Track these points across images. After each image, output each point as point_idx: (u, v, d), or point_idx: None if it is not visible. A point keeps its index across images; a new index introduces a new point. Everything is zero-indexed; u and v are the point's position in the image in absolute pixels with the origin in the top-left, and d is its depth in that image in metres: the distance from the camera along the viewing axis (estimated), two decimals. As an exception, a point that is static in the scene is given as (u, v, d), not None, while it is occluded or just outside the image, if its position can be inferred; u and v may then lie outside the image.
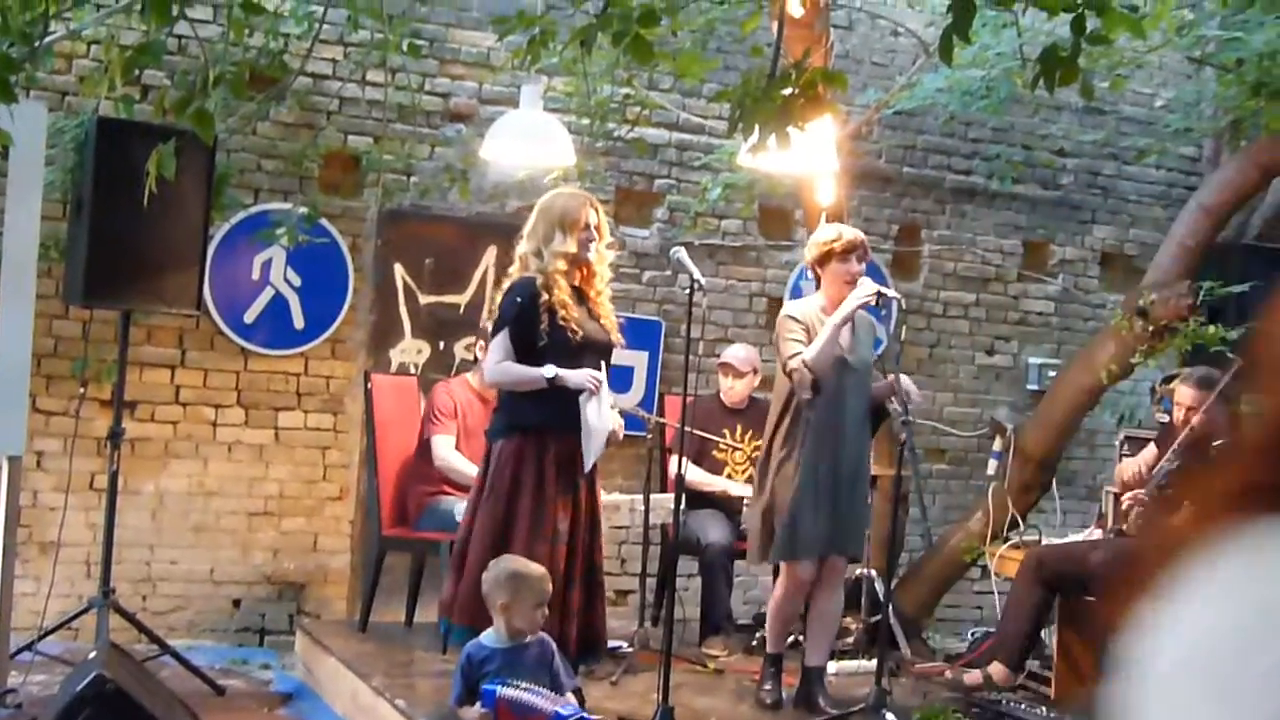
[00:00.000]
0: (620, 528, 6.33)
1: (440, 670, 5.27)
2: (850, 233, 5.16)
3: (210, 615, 6.70)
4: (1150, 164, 8.51)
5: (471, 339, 6.94)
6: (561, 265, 4.88)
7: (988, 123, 8.00)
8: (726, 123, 3.92)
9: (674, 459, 5.38)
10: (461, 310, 7.18)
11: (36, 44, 3.82)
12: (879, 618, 5.50)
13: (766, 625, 5.37)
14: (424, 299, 7.12)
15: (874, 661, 5.28)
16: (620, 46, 3.86)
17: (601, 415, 4.92)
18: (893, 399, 5.09)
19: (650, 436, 5.89)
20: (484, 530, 4.83)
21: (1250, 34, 6.24)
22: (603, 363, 5.00)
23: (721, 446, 6.45)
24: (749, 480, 6.39)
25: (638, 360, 7.28)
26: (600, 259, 5.02)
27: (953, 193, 8.18)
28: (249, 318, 6.70)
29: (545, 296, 4.83)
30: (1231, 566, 0.93)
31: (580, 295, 4.97)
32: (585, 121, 6.64)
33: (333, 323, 6.87)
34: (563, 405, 4.86)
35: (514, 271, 5.02)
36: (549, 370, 4.80)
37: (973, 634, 6.96)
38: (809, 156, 4.95)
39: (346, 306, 6.88)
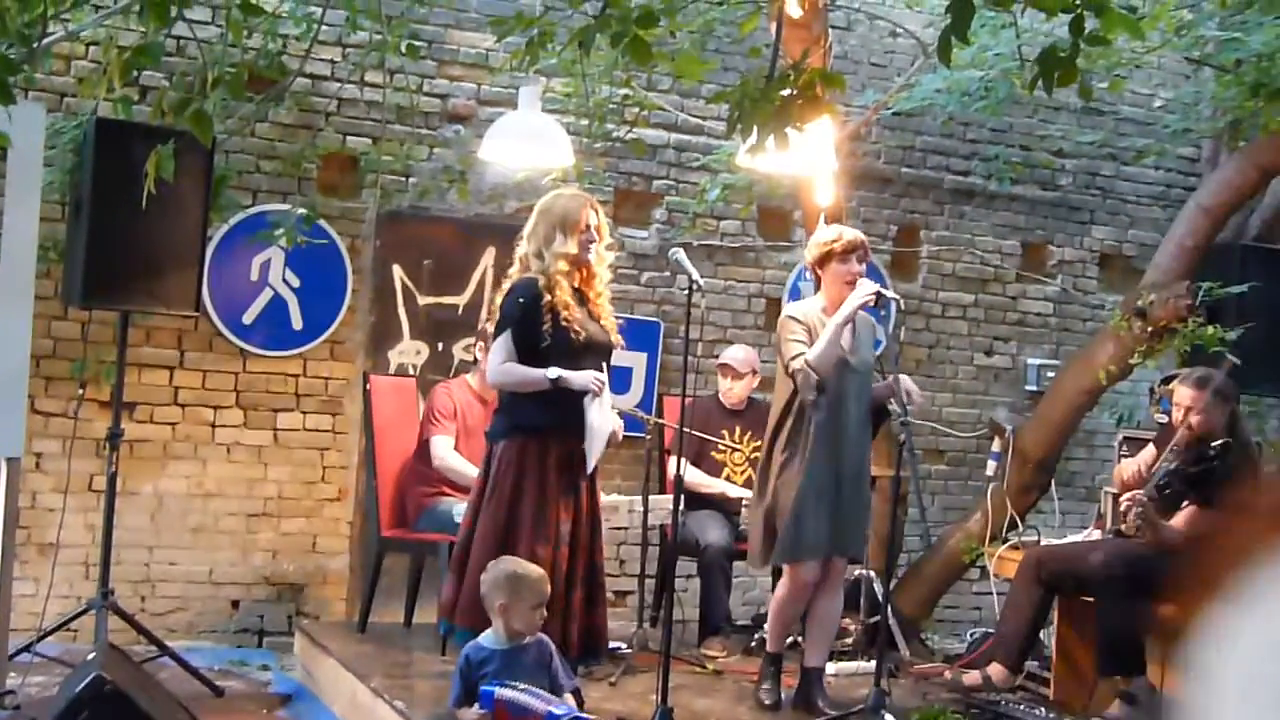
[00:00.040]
0: (619, 529, 6.32)
1: (439, 671, 5.28)
2: (850, 233, 5.16)
3: (209, 616, 6.69)
4: (1149, 164, 8.51)
5: (470, 340, 6.94)
6: (563, 266, 4.88)
7: (986, 123, 8.01)
8: (725, 123, 3.91)
9: (673, 460, 5.38)
10: (460, 311, 7.18)
11: (35, 45, 3.82)
12: (878, 618, 5.50)
13: (767, 625, 5.36)
14: (423, 300, 7.12)
15: (873, 662, 5.28)
16: (619, 47, 3.85)
17: (603, 416, 4.92)
18: (892, 400, 5.09)
19: (649, 437, 5.90)
20: (486, 532, 4.83)
21: (1249, 35, 6.24)
22: (604, 364, 5.00)
23: (720, 447, 6.45)
24: (748, 482, 6.39)
25: (636, 361, 7.28)
26: (600, 260, 5.02)
27: (951, 193, 8.19)
28: (248, 319, 6.70)
29: (548, 297, 4.83)
30: None
31: (580, 296, 4.97)
32: (584, 122, 6.64)
33: (331, 324, 6.87)
34: (565, 407, 4.85)
35: (514, 273, 5.02)
36: (552, 372, 4.80)
37: (971, 635, 6.96)
38: (807, 157, 4.96)
39: (345, 308, 6.88)
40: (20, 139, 4.38)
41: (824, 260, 5.12)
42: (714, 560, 6.18)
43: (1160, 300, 6.41)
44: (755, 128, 3.73)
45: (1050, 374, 7.98)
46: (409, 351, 7.11)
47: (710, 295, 7.38)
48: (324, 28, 5.84)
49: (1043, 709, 5.44)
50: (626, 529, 5.99)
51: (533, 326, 4.82)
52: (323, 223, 6.55)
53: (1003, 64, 6.42)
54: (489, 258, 7.18)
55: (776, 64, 4.33)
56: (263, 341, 6.74)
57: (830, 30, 6.43)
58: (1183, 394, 5.32)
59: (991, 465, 6.91)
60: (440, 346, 7.16)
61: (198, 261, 5.70)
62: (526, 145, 6.15)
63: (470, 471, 5.80)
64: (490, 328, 5.31)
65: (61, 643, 5.72)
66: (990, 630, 6.37)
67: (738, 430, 6.53)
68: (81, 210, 5.53)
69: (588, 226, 4.94)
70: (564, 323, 4.82)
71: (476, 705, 4.29)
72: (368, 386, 6.24)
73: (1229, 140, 7.63)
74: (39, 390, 6.26)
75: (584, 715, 4.36)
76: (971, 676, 5.62)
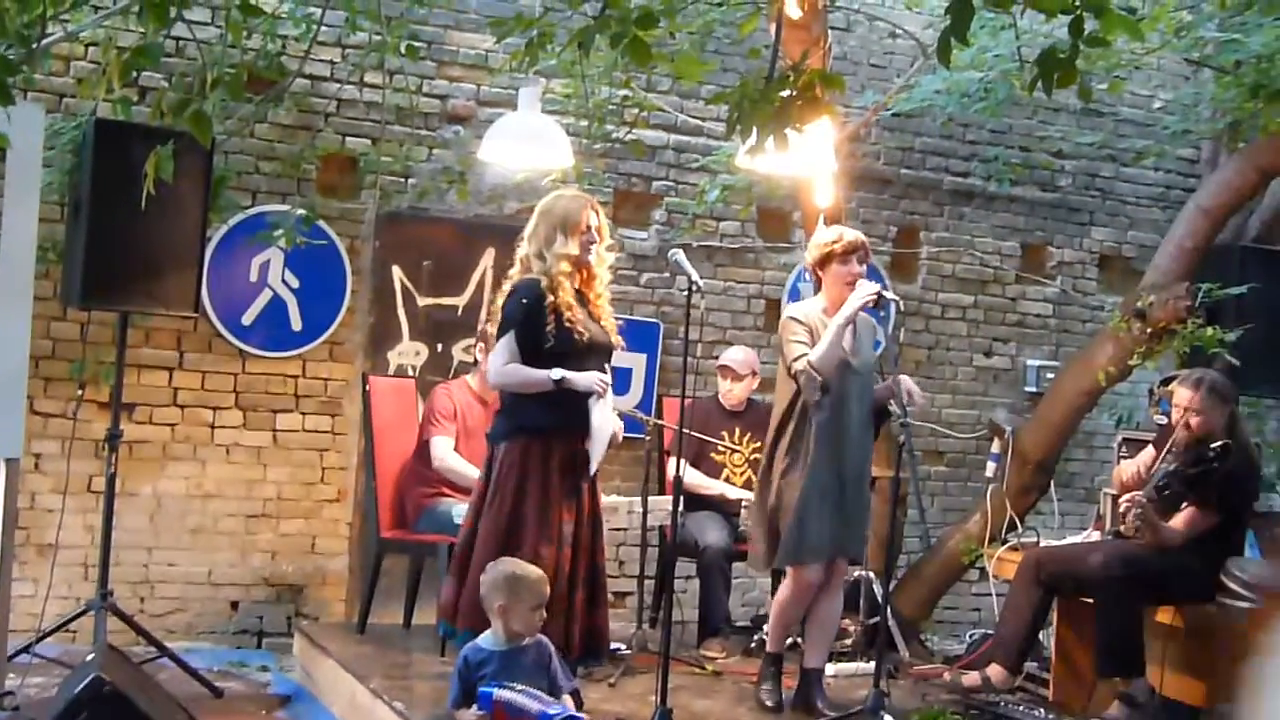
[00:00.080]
0: (618, 529, 6.33)
1: (438, 672, 5.27)
2: (851, 234, 5.16)
3: (208, 617, 6.69)
4: (1148, 166, 8.52)
5: (470, 341, 6.94)
6: (565, 267, 4.88)
7: (986, 125, 8.01)
8: (725, 124, 3.91)
9: (672, 461, 5.38)
10: (459, 312, 7.18)
11: (34, 46, 3.82)
12: (877, 619, 5.50)
13: (768, 626, 5.36)
14: (422, 301, 7.12)
15: (872, 663, 5.27)
16: (618, 48, 3.85)
17: (605, 417, 4.92)
18: (893, 401, 5.09)
19: (648, 439, 5.89)
20: (488, 534, 4.82)
21: (1248, 36, 6.24)
22: (606, 365, 5.00)
23: (720, 449, 6.45)
24: (747, 483, 6.40)
25: (636, 362, 7.28)
26: (600, 261, 5.02)
27: (951, 195, 8.19)
28: (247, 320, 6.70)
29: (551, 298, 4.82)
30: None
31: (581, 298, 4.97)
32: (583, 123, 6.64)
33: (331, 325, 6.86)
34: (568, 408, 4.85)
35: (514, 274, 5.02)
36: (556, 373, 4.80)
37: (971, 636, 6.96)
38: (807, 158, 4.95)
39: (344, 308, 6.88)
40: (19, 140, 4.38)
41: (824, 261, 5.12)
42: (713, 561, 6.18)
43: (1159, 301, 6.40)
44: (755, 129, 3.73)
45: (1049, 375, 7.98)
46: (408, 352, 7.11)
47: (710, 296, 7.38)
48: (323, 28, 5.84)
49: (1042, 710, 5.45)
50: (626, 530, 6.00)
51: (536, 327, 4.82)
52: (322, 223, 6.55)
53: (1002, 65, 6.42)
54: (488, 259, 7.18)
55: (776, 65, 4.34)
56: (262, 342, 6.74)
57: (830, 31, 6.43)
58: (1182, 395, 5.32)
59: (991, 466, 6.90)
60: (440, 347, 7.16)
61: (197, 262, 5.70)
62: (526, 146, 6.15)
63: (470, 472, 5.80)
64: (491, 329, 5.31)
65: (60, 644, 5.71)
66: (989, 631, 6.37)
67: (737, 431, 6.53)
68: (80, 211, 5.52)
69: (589, 228, 4.93)
70: (567, 324, 4.82)
71: (475, 706, 4.28)
72: (367, 387, 6.23)
73: (1228, 142, 7.64)
74: (38, 391, 6.26)
75: (579, 716, 4.35)
76: (971, 678, 5.62)
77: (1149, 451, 5.61)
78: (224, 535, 6.72)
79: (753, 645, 6.11)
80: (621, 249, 6.68)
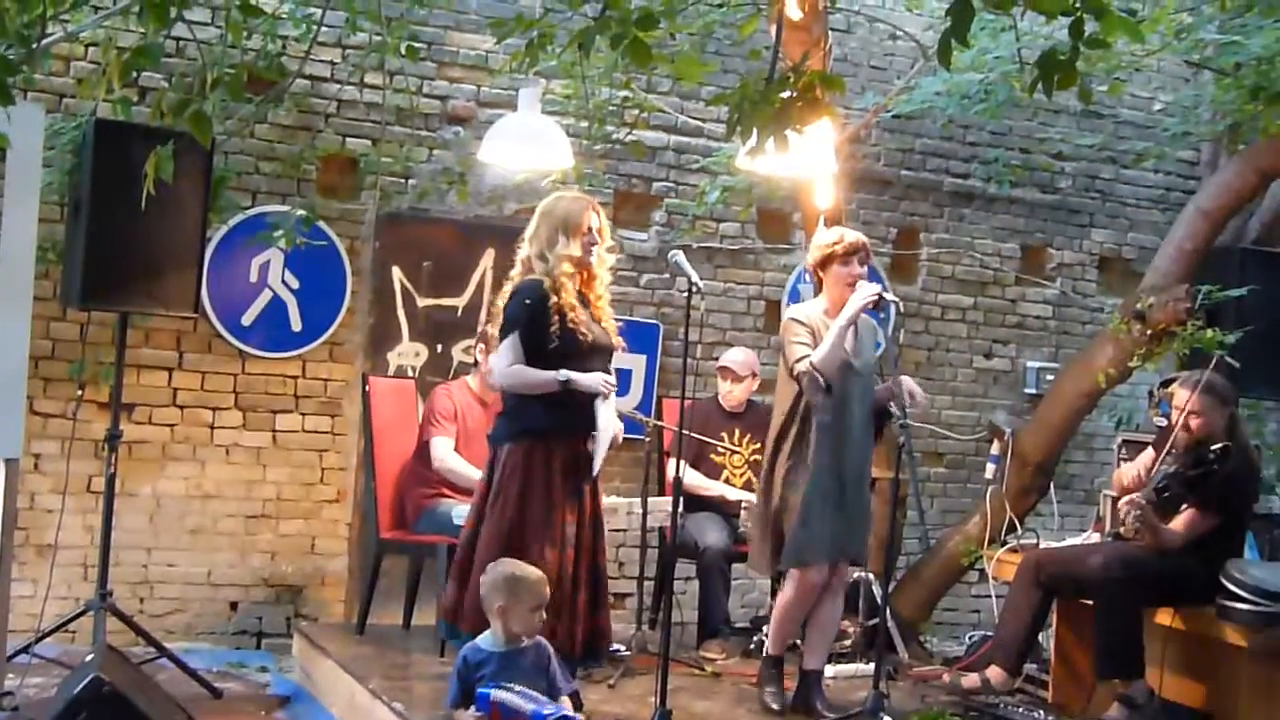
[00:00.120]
0: (618, 531, 6.32)
1: (438, 673, 5.27)
2: (852, 235, 5.16)
3: (207, 618, 6.69)
4: (1148, 168, 8.52)
5: (469, 342, 6.94)
6: (567, 269, 4.87)
7: (986, 126, 8.01)
8: (725, 126, 3.91)
9: (672, 462, 5.37)
10: (459, 313, 7.18)
11: (34, 46, 3.81)
12: (877, 621, 5.50)
13: (770, 628, 5.34)
14: (422, 302, 7.12)
15: (871, 665, 5.28)
16: (618, 49, 3.85)
17: (609, 418, 4.93)
18: (892, 403, 5.09)
19: (648, 440, 5.89)
20: (492, 536, 4.80)
21: (1248, 38, 6.25)
22: (609, 366, 5.00)
23: (719, 450, 6.45)
24: (747, 484, 6.40)
25: (636, 363, 7.28)
26: (601, 262, 5.01)
27: (951, 196, 8.19)
28: (247, 320, 6.70)
29: (554, 299, 4.82)
30: None
31: (581, 299, 4.96)
32: (583, 124, 6.65)
33: (330, 325, 6.86)
34: (571, 409, 4.85)
35: (515, 275, 5.01)
36: (562, 374, 4.79)
37: (970, 637, 6.96)
38: (807, 160, 4.95)
39: (344, 309, 6.88)
40: (19, 140, 4.38)
41: (825, 262, 5.12)
42: (713, 562, 6.18)
43: (1159, 303, 6.40)
44: (755, 130, 3.72)
45: (1049, 377, 7.98)
46: (408, 353, 7.11)
47: (709, 297, 7.39)
48: (323, 29, 5.83)
49: (1041, 711, 5.45)
50: (625, 531, 6.00)
51: (540, 328, 4.81)
52: (322, 224, 6.55)
53: (1002, 67, 6.42)
54: (488, 259, 7.18)
55: (776, 66, 4.33)
56: (262, 343, 6.74)
57: (830, 33, 6.43)
58: (1182, 397, 5.32)
59: (990, 468, 6.89)
60: (439, 348, 7.16)
61: (197, 263, 5.69)
62: (526, 147, 6.15)
63: (470, 473, 5.80)
64: (491, 330, 5.30)
65: (60, 644, 5.71)
66: (989, 633, 6.36)
67: (737, 433, 6.53)
68: (80, 211, 5.52)
69: (590, 229, 4.93)
70: (571, 325, 4.82)
71: (473, 707, 4.28)
72: (367, 388, 6.23)
73: (1228, 143, 7.64)
74: (38, 391, 6.25)
75: (574, 716, 4.34)
76: (970, 679, 5.62)
77: (1149, 453, 5.61)
78: (223, 536, 6.72)
79: (752, 646, 6.11)
80: (621, 250, 6.67)
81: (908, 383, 5.04)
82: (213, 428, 6.70)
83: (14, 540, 5.13)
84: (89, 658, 4.77)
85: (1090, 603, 5.41)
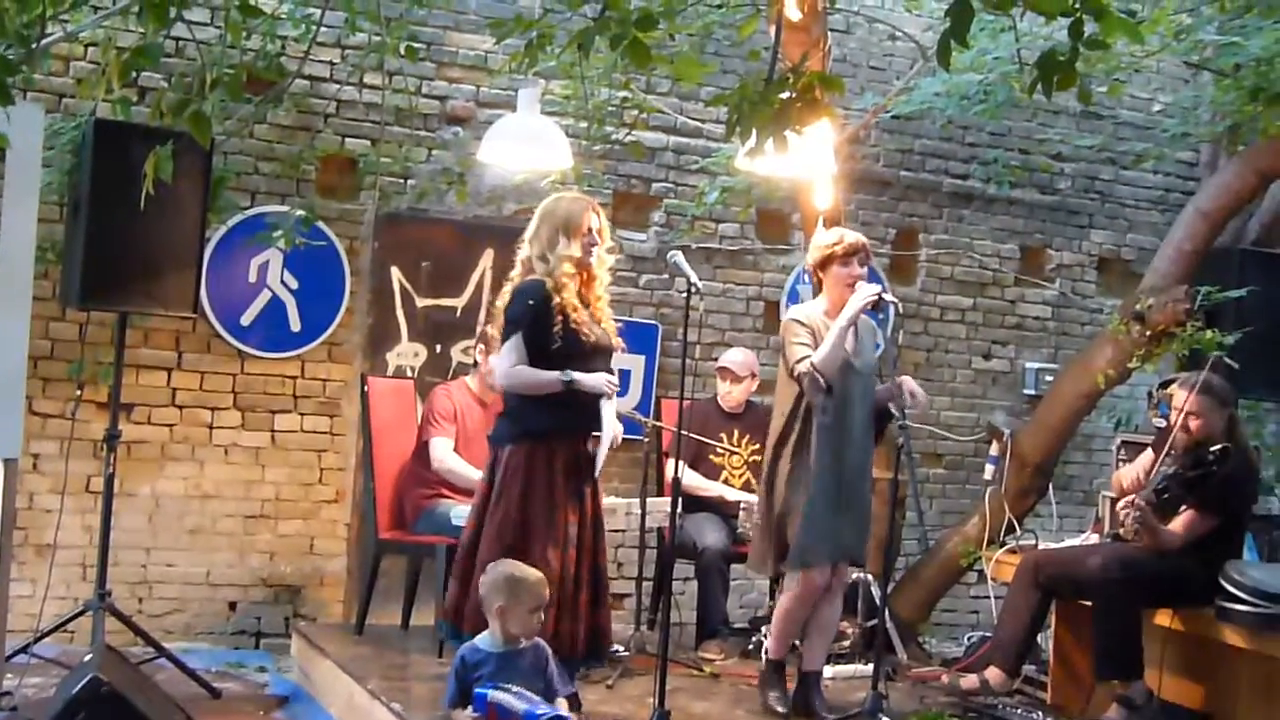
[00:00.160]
0: (616, 531, 6.31)
1: (436, 673, 5.27)
2: (852, 236, 5.16)
3: (206, 618, 6.69)
4: (1148, 169, 8.52)
5: (468, 342, 6.94)
6: (568, 269, 4.87)
7: (985, 127, 8.01)
8: (724, 126, 3.91)
9: (670, 462, 5.37)
10: (458, 313, 7.18)
11: (34, 46, 3.81)
12: (875, 622, 5.50)
13: (770, 631, 5.31)
14: (421, 302, 7.12)
15: (870, 666, 5.28)
16: (618, 50, 3.85)
17: (610, 419, 4.93)
18: (893, 404, 5.09)
19: (647, 440, 5.89)
20: (494, 537, 4.79)
21: (1248, 39, 6.25)
22: (613, 366, 5.00)
23: (718, 451, 6.45)
24: (746, 485, 6.40)
25: (634, 364, 7.28)
26: (601, 263, 5.01)
27: (950, 197, 8.19)
28: (246, 320, 6.70)
29: (557, 299, 4.82)
30: None
31: (581, 300, 4.96)
32: (583, 125, 6.65)
33: (329, 326, 6.86)
34: (573, 410, 4.85)
35: (515, 276, 5.00)
36: (567, 374, 4.79)
37: (969, 638, 6.96)
38: (806, 160, 4.95)
39: (343, 309, 6.88)
40: (19, 140, 4.37)
41: (825, 263, 5.12)
42: (711, 563, 6.18)
43: (1159, 304, 6.40)
44: (754, 131, 3.73)
45: (1048, 378, 7.98)
46: (407, 353, 7.11)
47: (708, 298, 7.39)
48: (323, 29, 5.83)
49: (1040, 713, 5.45)
50: (624, 531, 5.98)
51: (543, 329, 4.80)
52: (321, 224, 6.55)
53: (1002, 67, 6.43)
54: (487, 260, 7.18)
55: (775, 67, 4.33)
56: (260, 343, 6.74)
57: (829, 33, 6.43)
58: (1181, 398, 5.32)
59: (989, 469, 6.89)
60: (438, 348, 7.16)
61: (196, 263, 5.70)
62: (525, 147, 6.15)
63: (469, 474, 5.80)
64: (491, 330, 5.30)
65: (58, 644, 5.71)
66: (988, 634, 6.36)
67: (736, 433, 6.53)
68: (80, 211, 5.52)
69: (590, 230, 4.93)
70: (574, 325, 4.82)
71: (470, 708, 4.28)
72: (366, 388, 6.23)
73: (1228, 145, 7.64)
74: (36, 391, 6.25)
75: (566, 716, 4.34)
76: (969, 680, 5.61)
77: (1148, 454, 5.61)
78: (222, 536, 6.72)
79: (750, 647, 6.10)
80: (620, 251, 6.68)
81: (908, 383, 5.05)
82: (211, 428, 6.70)
83: (13, 540, 5.11)
84: (88, 658, 4.77)
85: (1089, 604, 5.41)
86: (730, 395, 6.56)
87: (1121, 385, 7.02)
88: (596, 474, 4.97)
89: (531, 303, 4.82)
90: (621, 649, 5.64)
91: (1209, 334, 6.27)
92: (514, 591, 4.40)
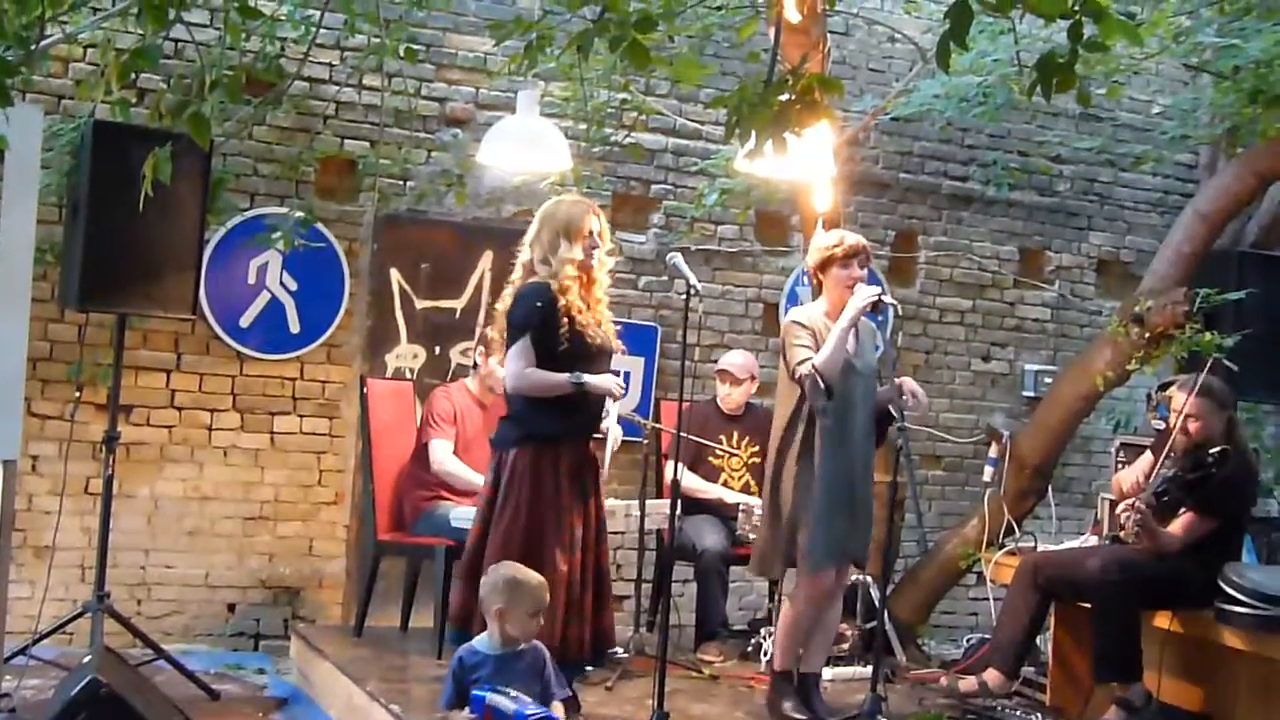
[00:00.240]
0: (616, 533, 6.30)
1: (435, 675, 5.26)
2: (852, 238, 5.16)
3: (205, 620, 6.69)
4: (1147, 171, 8.52)
5: (468, 344, 6.93)
6: (571, 272, 4.86)
7: (984, 129, 8.02)
8: (723, 128, 3.91)
9: (670, 464, 5.36)
10: (457, 315, 7.18)
11: (33, 47, 3.82)
12: (874, 624, 5.50)
13: (776, 642, 5.24)
14: (420, 304, 7.12)
15: (869, 668, 5.28)
16: (617, 52, 3.85)
17: (614, 421, 4.93)
18: (893, 406, 5.08)
19: (646, 442, 5.89)
20: (501, 541, 4.76)
21: (1247, 41, 6.25)
22: (618, 369, 5.00)
23: (718, 453, 6.44)
24: (745, 487, 6.40)
25: (634, 366, 7.27)
26: (601, 266, 5.01)
27: (949, 199, 8.19)
28: (245, 322, 6.70)
29: (563, 301, 4.81)
30: None
31: (583, 302, 4.95)
32: (582, 127, 6.65)
33: (328, 327, 6.86)
34: (579, 412, 4.84)
35: (516, 279, 4.99)
36: (577, 376, 4.78)
37: (968, 640, 6.95)
38: (806, 162, 4.95)
39: (342, 311, 6.88)
40: (18, 141, 4.37)
41: (825, 265, 5.12)
42: (711, 565, 6.18)
43: (1158, 306, 6.41)
44: (753, 132, 3.72)
45: (1047, 380, 7.98)
46: (406, 355, 7.10)
47: (708, 300, 7.39)
48: (322, 31, 5.84)
49: (1039, 715, 5.45)
50: (623, 533, 5.98)
51: (551, 331, 4.78)
52: (320, 226, 6.54)
53: (1001, 70, 6.43)
54: (486, 261, 7.18)
55: (775, 69, 4.33)
56: (260, 344, 6.74)
57: (829, 35, 6.42)
58: (1180, 400, 5.32)
59: (989, 471, 6.89)
60: (437, 350, 7.16)
61: (195, 264, 5.70)
62: (524, 149, 6.15)
63: (469, 476, 5.79)
64: (491, 332, 5.29)
65: (57, 646, 5.71)
66: (986, 636, 6.36)
67: (735, 435, 6.52)
68: (79, 213, 5.52)
69: (591, 232, 4.92)
70: (579, 327, 4.81)
71: (467, 709, 4.27)
72: (365, 390, 6.23)
73: (1227, 147, 7.64)
74: (35, 393, 6.25)
75: (554, 717, 4.33)
76: (968, 682, 5.61)
77: (1147, 457, 5.60)
78: (221, 537, 6.72)
79: (749, 649, 6.10)
80: (620, 253, 6.68)
81: (909, 383, 5.04)
82: (210, 429, 6.69)
83: (11, 542, 5.12)
84: (86, 659, 4.77)
85: (1088, 606, 5.40)
86: (730, 397, 6.56)
87: (1120, 387, 7.03)
88: (603, 476, 4.96)
89: (539, 305, 4.80)
90: (621, 651, 5.64)
91: (1208, 336, 6.27)
92: (514, 594, 4.39)
